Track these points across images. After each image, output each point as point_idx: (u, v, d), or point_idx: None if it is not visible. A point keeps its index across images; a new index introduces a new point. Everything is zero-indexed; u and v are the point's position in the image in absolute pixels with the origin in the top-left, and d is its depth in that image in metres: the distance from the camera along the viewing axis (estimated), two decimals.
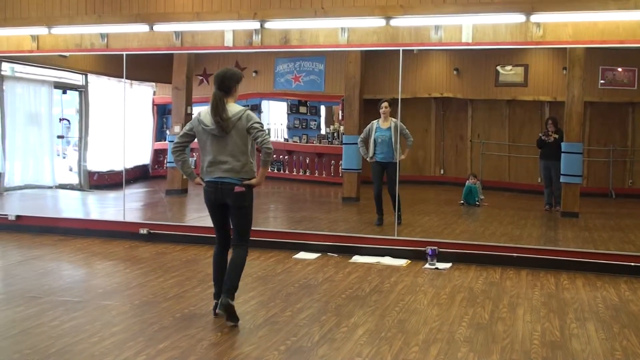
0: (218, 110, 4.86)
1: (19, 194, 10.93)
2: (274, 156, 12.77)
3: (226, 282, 4.98)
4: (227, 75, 4.98)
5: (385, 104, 8.50)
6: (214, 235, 5.23)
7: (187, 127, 5.11)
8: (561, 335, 4.80)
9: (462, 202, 10.56)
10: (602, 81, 11.12)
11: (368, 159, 8.71)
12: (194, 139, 5.10)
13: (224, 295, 4.92)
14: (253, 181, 4.99)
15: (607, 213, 10.24)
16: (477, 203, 10.50)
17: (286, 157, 13.06)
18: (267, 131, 5.00)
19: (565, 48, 9.00)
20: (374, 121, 8.65)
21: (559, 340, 4.69)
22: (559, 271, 6.81)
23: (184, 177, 10.85)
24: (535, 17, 6.95)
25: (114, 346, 4.38)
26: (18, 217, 8.89)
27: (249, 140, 4.95)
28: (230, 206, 5.01)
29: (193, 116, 5.04)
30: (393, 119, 8.42)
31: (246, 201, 5.02)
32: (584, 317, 5.28)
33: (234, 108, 4.95)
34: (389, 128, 8.44)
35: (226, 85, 4.96)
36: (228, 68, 5.08)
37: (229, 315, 4.91)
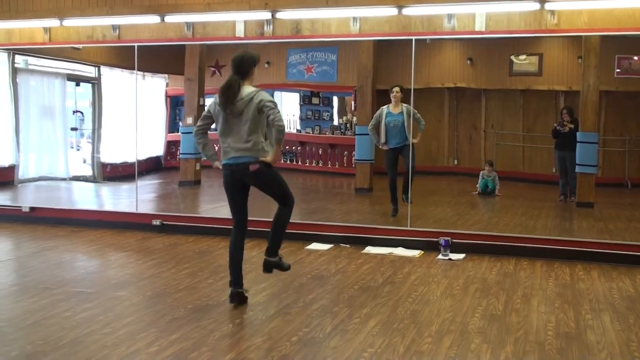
0: (229, 93, 4.95)
1: (33, 185, 11.00)
2: (287, 147, 12.76)
3: (269, 239, 5.17)
4: (244, 59, 5.05)
5: (397, 88, 8.39)
6: (227, 227, 5.23)
7: (206, 110, 5.25)
8: (576, 326, 4.75)
9: (478, 192, 10.51)
10: (617, 70, 10.98)
11: (380, 146, 8.62)
12: (212, 122, 5.21)
13: (268, 256, 5.19)
14: (268, 158, 5.03)
15: (622, 203, 10.14)
16: (496, 193, 10.47)
17: (299, 148, 13.03)
18: (279, 109, 5.03)
19: (581, 36, 8.87)
20: (384, 107, 8.53)
21: (574, 331, 4.64)
22: (573, 262, 6.74)
23: (198, 167, 10.91)
24: (550, 5, 6.86)
25: (126, 337, 4.38)
26: (32, 208, 8.94)
27: (261, 120, 4.99)
28: (254, 185, 5.11)
29: (206, 106, 5.14)
30: (404, 104, 8.33)
31: (268, 175, 5.08)
32: (599, 308, 5.22)
33: (247, 89, 5.01)
34: (401, 113, 8.33)
35: (243, 69, 5.04)
36: (246, 51, 5.13)
37: (278, 268, 5.23)
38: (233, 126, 5.00)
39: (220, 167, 5.15)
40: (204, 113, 5.25)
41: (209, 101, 11.67)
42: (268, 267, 5.22)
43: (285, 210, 5.20)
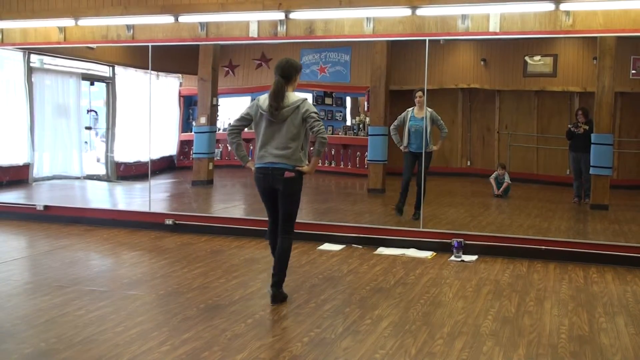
0: (278, 96, 5.01)
1: (47, 184, 11.07)
2: None
3: (274, 274, 5.19)
4: (288, 64, 5.15)
5: (420, 93, 8.34)
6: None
7: (245, 111, 5.27)
8: (589, 329, 4.72)
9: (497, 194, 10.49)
10: (633, 71, 10.88)
11: (401, 148, 8.58)
12: (250, 124, 5.26)
13: (274, 288, 5.17)
14: (305, 168, 5.16)
15: (637, 205, 10.06)
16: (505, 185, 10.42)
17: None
18: (323, 121, 5.17)
19: (596, 37, 8.81)
20: (409, 109, 8.50)
21: (587, 334, 4.61)
22: (587, 264, 6.70)
23: (211, 166, 10.93)
24: (565, 6, 6.81)
25: (138, 336, 4.40)
26: (46, 207, 9.00)
27: (303, 129, 5.08)
28: (279, 192, 5.15)
29: (252, 106, 5.14)
30: (428, 109, 8.30)
31: (295, 188, 5.16)
32: (613, 311, 5.18)
33: (292, 97, 5.09)
34: (424, 117, 8.30)
35: (287, 73, 5.11)
36: (289, 58, 5.22)
37: (279, 300, 5.19)
38: (275, 132, 5.07)
39: (253, 168, 5.23)
40: (242, 114, 5.26)
41: (222, 101, 11.76)
42: (278, 298, 5.19)
43: (289, 242, 5.27)
